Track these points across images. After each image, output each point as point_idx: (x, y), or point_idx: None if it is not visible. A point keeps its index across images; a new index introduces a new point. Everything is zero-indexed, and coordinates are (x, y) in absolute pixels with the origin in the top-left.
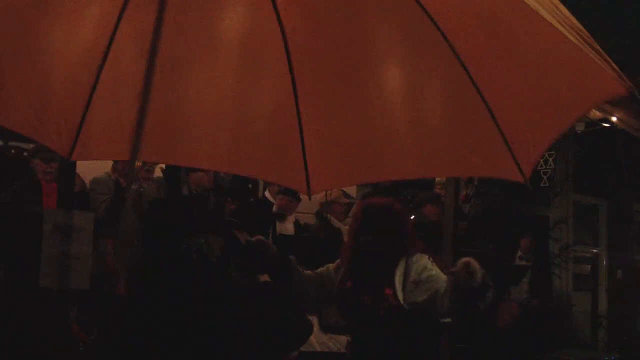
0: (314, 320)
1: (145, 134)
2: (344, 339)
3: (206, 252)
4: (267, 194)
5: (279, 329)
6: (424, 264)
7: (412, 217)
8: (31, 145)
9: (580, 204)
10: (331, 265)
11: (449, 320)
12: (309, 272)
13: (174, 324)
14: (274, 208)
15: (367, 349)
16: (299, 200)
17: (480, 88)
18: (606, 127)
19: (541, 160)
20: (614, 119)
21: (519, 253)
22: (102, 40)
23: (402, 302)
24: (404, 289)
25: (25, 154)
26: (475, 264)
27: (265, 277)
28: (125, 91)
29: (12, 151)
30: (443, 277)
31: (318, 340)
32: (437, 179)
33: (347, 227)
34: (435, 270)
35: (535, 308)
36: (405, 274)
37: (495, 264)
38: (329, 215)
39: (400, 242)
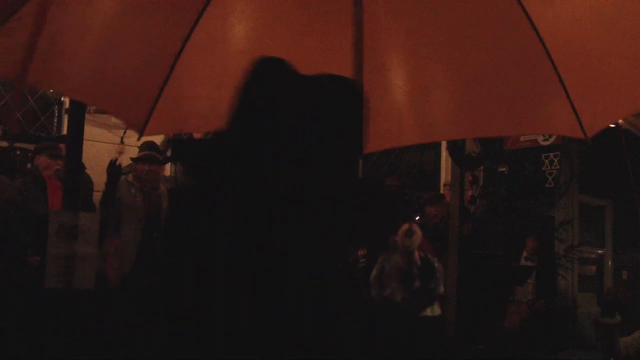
0: None
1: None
2: None
3: None
4: None
5: None
6: (398, 264)
7: (418, 217)
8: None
9: (586, 204)
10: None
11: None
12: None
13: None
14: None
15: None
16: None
17: (554, 57)
18: (612, 127)
19: (547, 162)
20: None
21: (524, 254)
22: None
23: (376, 296)
24: (379, 285)
25: (30, 155)
26: (416, 228)
27: None
28: (200, 71)
29: (18, 152)
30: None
31: None
32: (442, 181)
33: None
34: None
35: (540, 309)
36: (380, 271)
37: (500, 264)
38: None
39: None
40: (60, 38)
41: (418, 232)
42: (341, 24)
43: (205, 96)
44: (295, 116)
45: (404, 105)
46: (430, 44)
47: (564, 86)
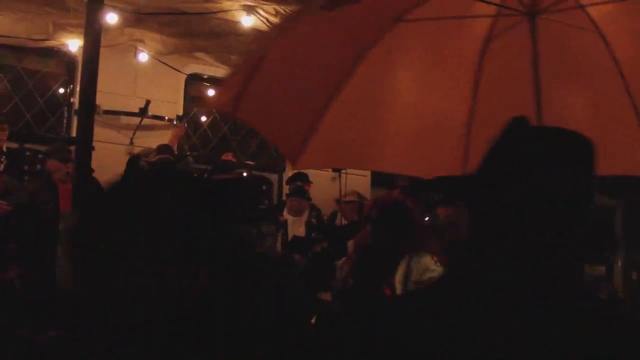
0: None
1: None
2: None
3: (258, 245)
4: None
5: None
6: (426, 265)
7: (427, 218)
8: (46, 148)
9: (596, 205)
10: (338, 262)
11: None
12: None
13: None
14: (285, 211)
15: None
16: (309, 199)
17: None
18: None
19: None
20: None
21: None
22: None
23: None
24: (405, 288)
25: (40, 156)
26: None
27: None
28: (356, 111)
29: (27, 153)
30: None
31: None
32: None
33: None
34: (437, 272)
35: None
36: (407, 274)
37: None
38: (337, 211)
39: (405, 240)
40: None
41: None
42: (517, 65)
43: (359, 136)
44: (538, 166)
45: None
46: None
47: None
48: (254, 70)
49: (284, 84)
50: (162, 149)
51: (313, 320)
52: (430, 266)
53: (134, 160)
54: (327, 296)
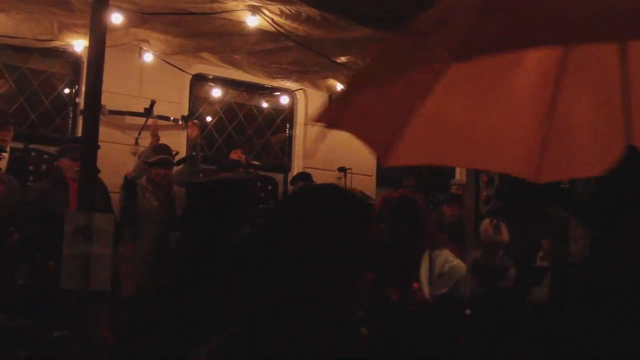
0: None
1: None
2: None
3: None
4: None
5: None
6: (445, 256)
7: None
8: (51, 148)
9: None
10: None
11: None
12: None
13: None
14: None
15: (390, 343)
16: None
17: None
18: None
19: None
20: None
21: (540, 254)
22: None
23: (428, 296)
24: (430, 283)
25: (45, 156)
26: (502, 223)
27: None
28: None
29: (33, 154)
30: (464, 266)
31: None
32: (451, 181)
33: None
34: (456, 261)
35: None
36: (430, 268)
37: (516, 264)
38: None
39: (421, 234)
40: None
41: (505, 228)
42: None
43: (440, 136)
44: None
45: None
46: None
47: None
48: (352, 87)
49: (376, 93)
50: (160, 149)
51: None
52: (449, 257)
53: (130, 183)
54: None
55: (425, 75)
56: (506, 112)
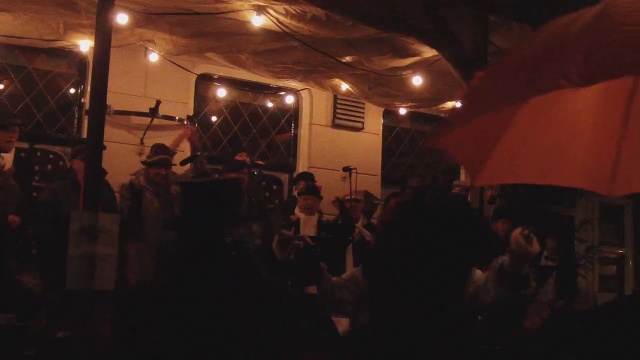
0: (344, 321)
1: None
2: None
3: (247, 245)
4: None
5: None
6: None
7: None
8: (57, 148)
9: (606, 204)
10: (356, 270)
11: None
12: (335, 278)
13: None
14: (297, 209)
15: (409, 348)
16: (320, 198)
17: None
18: None
19: None
20: None
21: (545, 253)
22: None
23: None
24: None
25: (51, 156)
26: (531, 233)
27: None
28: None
29: (38, 154)
30: (478, 271)
31: None
32: (455, 181)
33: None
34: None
35: (560, 309)
36: None
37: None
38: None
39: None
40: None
41: (535, 239)
42: None
43: (524, 156)
44: None
45: None
46: None
47: None
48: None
49: (474, 119)
50: (159, 149)
51: None
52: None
53: (137, 189)
54: (312, 289)
55: (515, 101)
56: (579, 130)
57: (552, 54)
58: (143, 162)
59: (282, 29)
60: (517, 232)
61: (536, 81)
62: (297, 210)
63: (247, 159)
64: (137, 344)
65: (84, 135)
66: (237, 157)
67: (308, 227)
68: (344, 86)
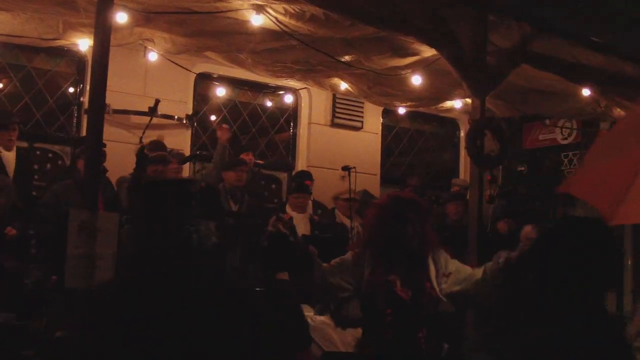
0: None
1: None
2: None
3: (205, 239)
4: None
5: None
6: (446, 257)
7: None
8: (56, 147)
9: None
10: (347, 257)
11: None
12: (325, 264)
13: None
14: (289, 207)
15: (403, 342)
16: (310, 193)
17: None
18: None
19: (566, 160)
20: None
21: None
22: None
23: (439, 294)
24: (439, 282)
25: (50, 155)
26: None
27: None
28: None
29: (37, 153)
30: (467, 267)
31: (342, 340)
32: (453, 180)
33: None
34: (456, 263)
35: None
36: (437, 268)
37: None
38: (335, 209)
39: (430, 235)
40: None
41: None
42: None
43: None
44: None
45: None
46: None
47: None
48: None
49: (603, 166)
50: (156, 145)
51: None
52: (448, 258)
53: (141, 152)
54: (283, 276)
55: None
56: None
57: None
58: (139, 154)
59: (281, 28)
60: (528, 228)
61: None
62: (288, 209)
63: (253, 159)
64: (102, 342)
65: (83, 134)
66: (242, 156)
67: (299, 225)
68: (343, 85)
